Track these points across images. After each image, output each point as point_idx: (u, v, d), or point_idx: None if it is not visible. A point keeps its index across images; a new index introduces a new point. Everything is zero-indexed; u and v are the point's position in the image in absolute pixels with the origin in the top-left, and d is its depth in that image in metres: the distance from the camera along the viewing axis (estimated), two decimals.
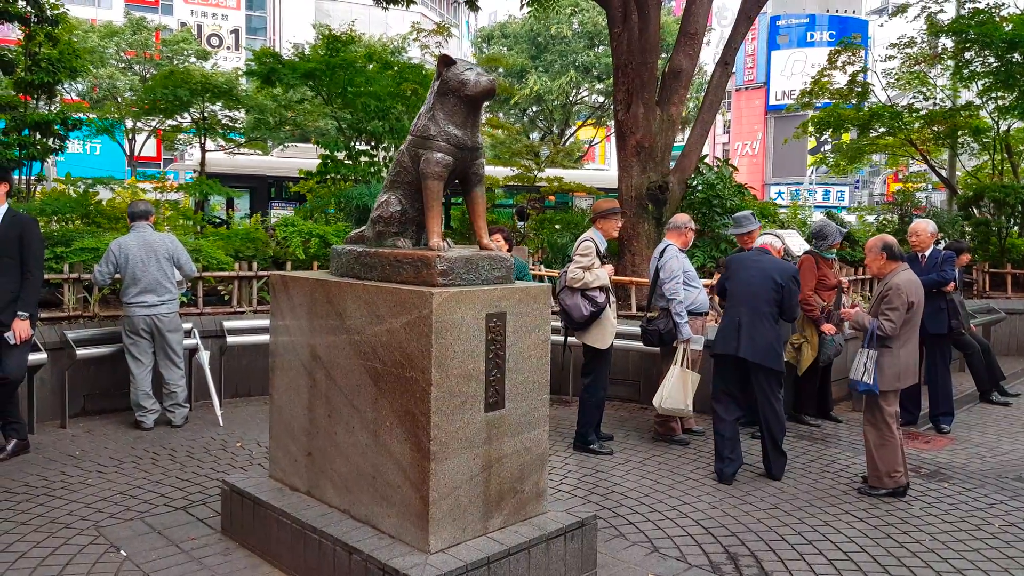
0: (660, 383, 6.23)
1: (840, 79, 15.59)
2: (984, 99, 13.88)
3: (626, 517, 4.57)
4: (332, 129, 16.31)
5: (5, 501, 4.53)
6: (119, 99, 25.81)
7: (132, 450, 5.59)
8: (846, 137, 17.08)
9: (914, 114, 14.40)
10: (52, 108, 10.32)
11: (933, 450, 6.13)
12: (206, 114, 13.74)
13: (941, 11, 14.77)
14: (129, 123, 23.30)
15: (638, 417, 6.93)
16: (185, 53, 30.02)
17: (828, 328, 6.39)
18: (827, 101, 16.23)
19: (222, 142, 16.92)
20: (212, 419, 6.37)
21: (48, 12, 9.62)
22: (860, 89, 15.06)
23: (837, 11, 44.20)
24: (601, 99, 32.40)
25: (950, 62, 14.40)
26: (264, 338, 6.09)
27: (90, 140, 22.68)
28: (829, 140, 18.45)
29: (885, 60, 16.38)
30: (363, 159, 11.52)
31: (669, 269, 5.94)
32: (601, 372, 5.81)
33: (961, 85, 14.44)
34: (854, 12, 44.70)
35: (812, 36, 43.20)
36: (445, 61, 3.58)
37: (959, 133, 14.47)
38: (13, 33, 10.86)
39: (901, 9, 15.82)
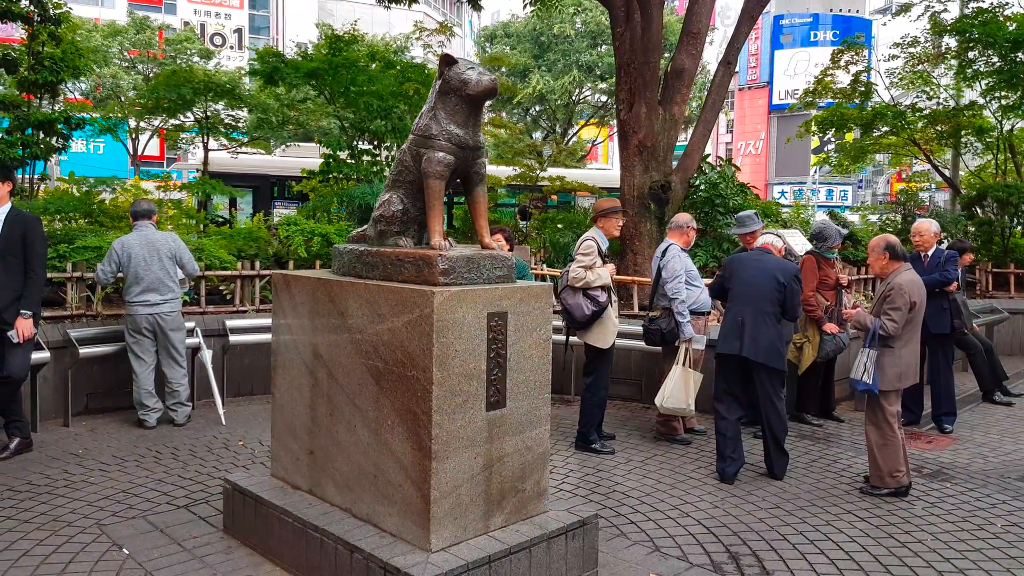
0: (662, 383, 6.24)
1: (843, 78, 15.56)
2: (988, 98, 13.85)
3: (628, 516, 4.57)
4: (335, 128, 16.34)
5: (8, 499, 4.55)
6: (122, 98, 25.87)
7: (135, 448, 5.60)
8: (849, 137, 17.06)
9: (917, 114, 14.38)
10: (55, 107, 10.34)
11: (935, 450, 6.12)
12: (209, 113, 13.76)
13: (945, 10, 14.74)
14: (132, 122, 23.36)
15: (640, 416, 6.93)
16: (188, 52, 30.08)
17: (831, 328, 6.39)
18: (830, 100, 16.20)
19: (225, 141, 16.95)
20: (214, 418, 6.38)
21: (51, 11, 9.62)
22: (863, 88, 15.03)
23: (841, 10, 44.11)
24: (604, 98, 32.37)
25: (953, 61, 14.37)
26: (266, 337, 6.10)
27: (93, 139, 22.73)
28: (832, 140, 18.43)
29: (888, 59, 16.35)
30: (365, 158, 11.54)
31: (671, 268, 5.93)
32: (603, 371, 5.81)
33: (965, 84, 14.42)
34: (858, 11, 44.61)
35: (816, 35, 43.14)
36: (447, 60, 3.58)
37: (962, 133, 14.45)
38: (17, 32, 10.86)
39: (905, 8, 15.79)
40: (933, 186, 23.09)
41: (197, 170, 16.24)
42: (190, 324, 6.53)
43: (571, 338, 6.03)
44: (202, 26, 42.34)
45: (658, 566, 3.92)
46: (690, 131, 11.20)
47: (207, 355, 6.49)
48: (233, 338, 6.81)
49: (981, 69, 13.40)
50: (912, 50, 15.59)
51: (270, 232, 9.19)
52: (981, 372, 7.80)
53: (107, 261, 6.12)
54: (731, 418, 5.27)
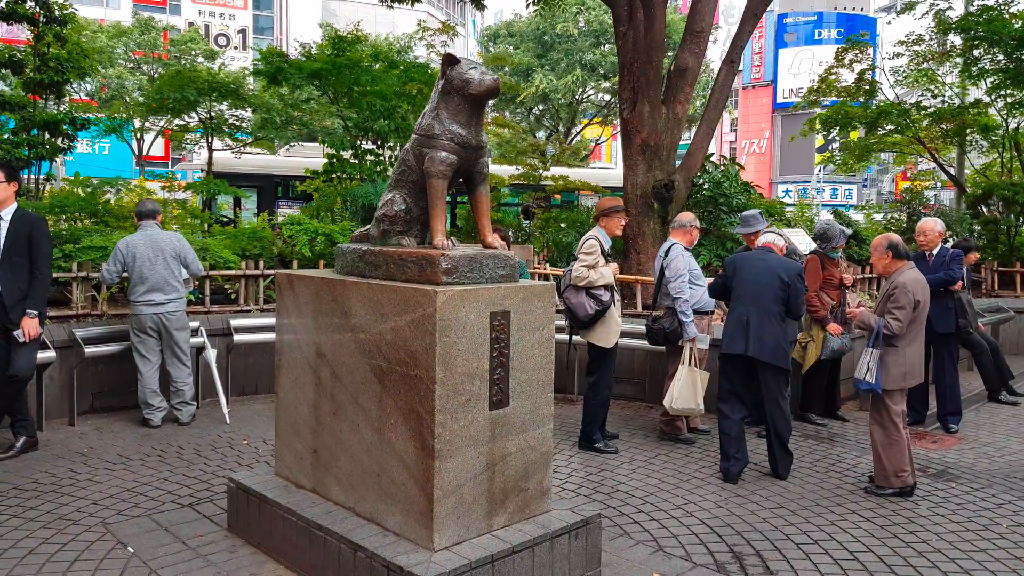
0: (665, 382, 6.23)
1: (848, 77, 15.52)
2: (993, 96, 13.81)
3: (631, 516, 4.57)
4: (338, 128, 16.36)
5: (14, 498, 4.57)
6: (127, 99, 25.92)
7: (139, 447, 5.62)
8: (854, 135, 17.01)
9: (922, 112, 14.34)
10: (61, 108, 10.38)
11: (940, 450, 6.11)
12: (213, 114, 13.79)
13: (949, 8, 14.68)
14: (137, 123, 23.39)
15: (643, 416, 6.92)
16: (193, 53, 30.13)
17: (834, 329, 6.38)
18: (835, 99, 16.16)
19: (229, 141, 16.97)
20: (219, 417, 6.40)
21: (57, 12, 9.66)
22: (868, 87, 14.99)
23: (845, 8, 44.01)
24: (607, 97, 32.36)
25: (958, 59, 14.32)
26: (270, 336, 6.13)
27: (99, 140, 22.78)
28: (837, 138, 18.38)
29: (893, 58, 16.29)
30: (369, 158, 11.56)
31: (674, 268, 5.93)
32: (606, 371, 5.81)
33: (970, 82, 14.36)
34: (862, 9, 44.51)
35: (820, 34, 43.05)
36: (449, 60, 3.59)
37: (968, 131, 14.39)
38: (22, 33, 10.90)
39: (909, 6, 15.72)
40: (938, 184, 23.01)
41: (201, 170, 16.27)
42: (195, 323, 6.55)
43: (574, 337, 6.03)
44: (206, 27, 42.42)
45: (661, 566, 3.92)
46: (693, 130, 11.19)
47: (211, 354, 6.51)
48: (237, 337, 6.83)
49: (986, 67, 13.36)
50: (917, 48, 15.54)
51: (274, 232, 9.20)
52: (987, 371, 7.78)
53: (112, 261, 6.14)
54: (735, 417, 5.26)
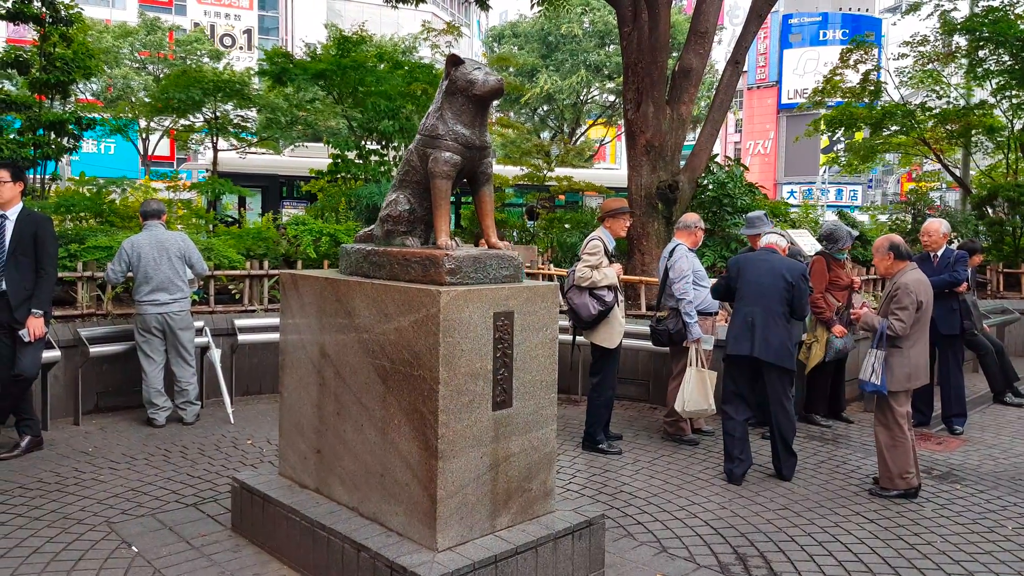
0: (669, 383, 6.23)
1: (853, 77, 15.49)
2: (998, 97, 13.77)
3: (635, 517, 4.56)
4: (343, 129, 16.38)
5: (19, 497, 4.58)
6: (133, 99, 25.99)
7: (144, 447, 5.63)
8: (859, 136, 16.98)
9: (927, 113, 14.30)
10: (66, 108, 10.40)
11: (945, 451, 6.09)
12: (218, 114, 13.81)
13: (955, 9, 14.66)
14: (143, 123, 23.48)
15: (647, 417, 6.91)
16: (198, 53, 30.20)
17: (839, 330, 6.36)
18: (840, 100, 16.14)
19: (234, 141, 17.00)
20: (223, 416, 6.41)
21: (63, 12, 9.69)
22: (873, 87, 14.97)
23: (850, 9, 43.92)
24: (612, 98, 32.35)
25: (964, 60, 14.29)
26: (275, 336, 6.14)
27: (104, 139, 22.85)
28: (842, 139, 18.35)
29: (898, 58, 16.27)
30: (373, 158, 11.57)
31: (678, 269, 5.92)
32: (609, 371, 5.81)
33: (975, 83, 14.34)
34: (867, 10, 44.40)
35: (825, 34, 42.96)
36: (453, 61, 3.59)
37: (973, 132, 14.36)
38: (29, 33, 10.94)
39: (914, 7, 15.71)
40: (944, 186, 22.97)
41: (207, 170, 16.31)
42: (199, 323, 6.56)
43: (578, 338, 6.03)
44: (212, 27, 42.51)
45: (665, 567, 3.91)
46: (698, 131, 11.19)
47: (216, 354, 6.52)
48: (242, 337, 6.84)
49: (991, 68, 13.33)
50: (922, 49, 15.51)
51: (279, 232, 9.22)
52: (992, 373, 7.76)
53: (117, 261, 6.16)
54: (739, 419, 5.25)
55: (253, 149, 18.12)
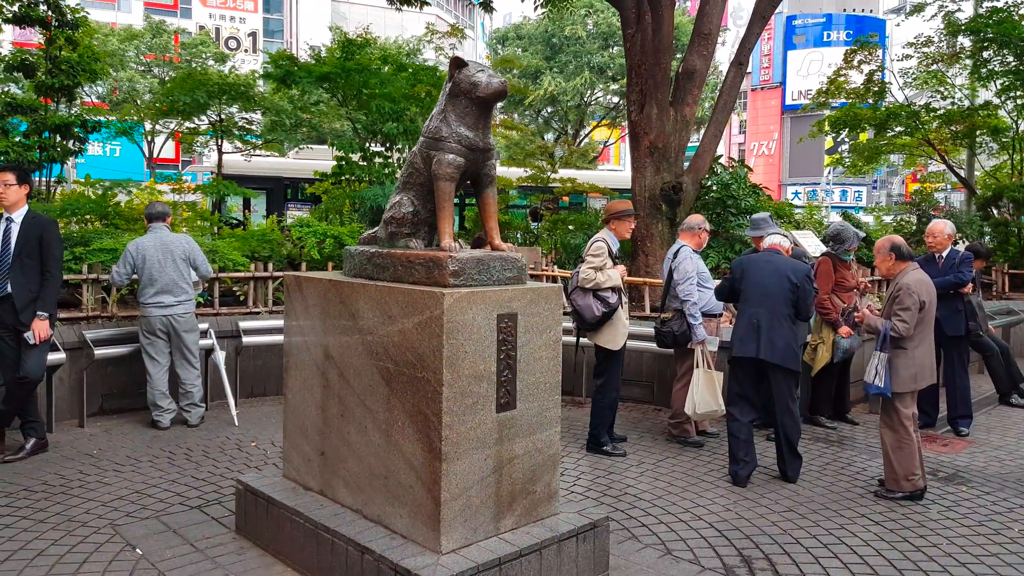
0: (674, 384, 6.22)
1: (857, 78, 15.48)
2: (1003, 98, 13.74)
3: (639, 519, 4.55)
4: (347, 131, 16.40)
5: (24, 499, 4.59)
6: (138, 102, 26.07)
7: (148, 449, 5.64)
8: (863, 137, 16.96)
9: (932, 114, 14.28)
10: (72, 111, 10.44)
11: (951, 453, 6.06)
12: (223, 116, 13.85)
13: (959, 10, 14.64)
14: (148, 125, 23.53)
15: (651, 418, 6.90)
16: (203, 56, 30.29)
17: (845, 331, 6.35)
18: (844, 101, 16.12)
19: (239, 144, 17.05)
20: (227, 419, 6.42)
21: (68, 16, 9.73)
22: (877, 88, 14.95)
23: (854, 10, 43.85)
24: (616, 100, 32.35)
25: (968, 61, 14.26)
26: (279, 338, 6.13)
27: (110, 142, 22.90)
28: (846, 140, 18.32)
29: (902, 59, 16.25)
30: (377, 160, 11.59)
31: (683, 270, 5.92)
32: (613, 373, 5.80)
33: (979, 84, 14.31)
34: (871, 11, 44.33)
35: (829, 35, 42.90)
36: (457, 63, 3.59)
37: (977, 133, 14.34)
38: (35, 37, 10.97)
39: (918, 8, 15.68)
40: (948, 187, 22.91)
41: (212, 172, 16.34)
42: (204, 325, 6.57)
43: (582, 340, 6.02)
44: (217, 30, 42.65)
45: (670, 569, 3.90)
46: (702, 132, 11.18)
47: (220, 356, 6.53)
48: (246, 339, 6.85)
49: (996, 68, 13.30)
50: (926, 50, 15.49)
51: (283, 234, 9.23)
52: (997, 374, 7.73)
53: (122, 263, 6.17)
54: (744, 420, 5.24)
55: (258, 151, 18.17)
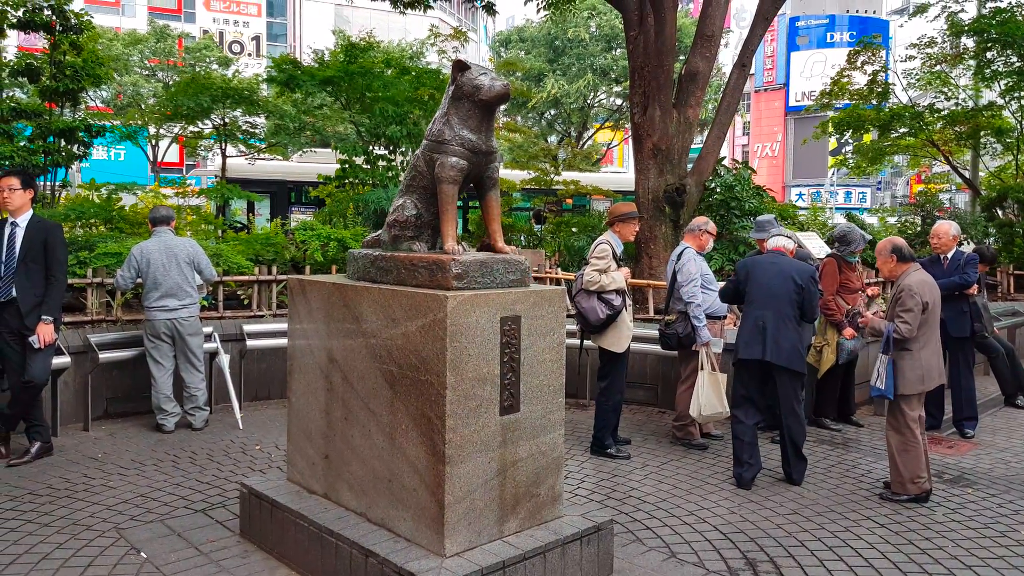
0: (678, 387, 6.21)
1: (860, 80, 15.46)
2: (1007, 99, 13.72)
3: (643, 522, 4.55)
4: (351, 134, 16.44)
5: (28, 503, 4.60)
6: (142, 106, 26.16)
7: (153, 453, 5.65)
8: (867, 138, 16.93)
9: (935, 114, 14.26)
10: (77, 115, 10.47)
11: (957, 455, 6.04)
12: (227, 120, 13.90)
13: (962, 11, 14.62)
14: (152, 129, 23.61)
15: (656, 421, 6.89)
16: (207, 60, 30.39)
17: (849, 332, 6.34)
18: (847, 102, 16.10)
19: (243, 147, 17.10)
20: (232, 422, 6.43)
21: (73, 21, 9.77)
22: (880, 89, 14.93)
23: (857, 11, 43.81)
24: (619, 102, 32.35)
25: (971, 62, 14.25)
26: (283, 342, 6.14)
27: (114, 146, 22.98)
28: (850, 141, 18.30)
29: (905, 60, 16.24)
30: (381, 163, 11.61)
31: (686, 272, 5.91)
32: (617, 375, 5.79)
33: (983, 85, 14.29)
34: (874, 12, 44.29)
35: (832, 37, 42.86)
36: (459, 66, 3.60)
37: (981, 133, 14.31)
38: (39, 42, 11.01)
39: (921, 9, 15.66)
40: (953, 187, 22.86)
41: (215, 176, 16.39)
42: (208, 329, 6.58)
43: (586, 342, 6.02)
44: (221, 34, 42.79)
45: (674, 573, 3.90)
46: (705, 134, 11.19)
47: (225, 360, 6.54)
48: (250, 343, 6.86)
49: (1000, 69, 13.28)
50: (929, 51, 15.47)
51: (287, 237, 9.26)
52: (1003, 376, 7.70)
53: (126, 267, 6.19)
54: (749, 423, 5.22)
55: (262, 155, 18.22)
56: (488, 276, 3.46)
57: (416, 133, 11.04)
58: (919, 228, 13.32)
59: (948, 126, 14.32)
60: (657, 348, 6.44)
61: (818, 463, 5.71)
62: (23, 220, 5.24)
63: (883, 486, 5.15)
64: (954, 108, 14.51)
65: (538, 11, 12.88)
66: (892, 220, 15.97)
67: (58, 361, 5.69)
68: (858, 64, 15.39)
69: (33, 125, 9.45)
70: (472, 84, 3.51)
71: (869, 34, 17.78)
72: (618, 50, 31.11)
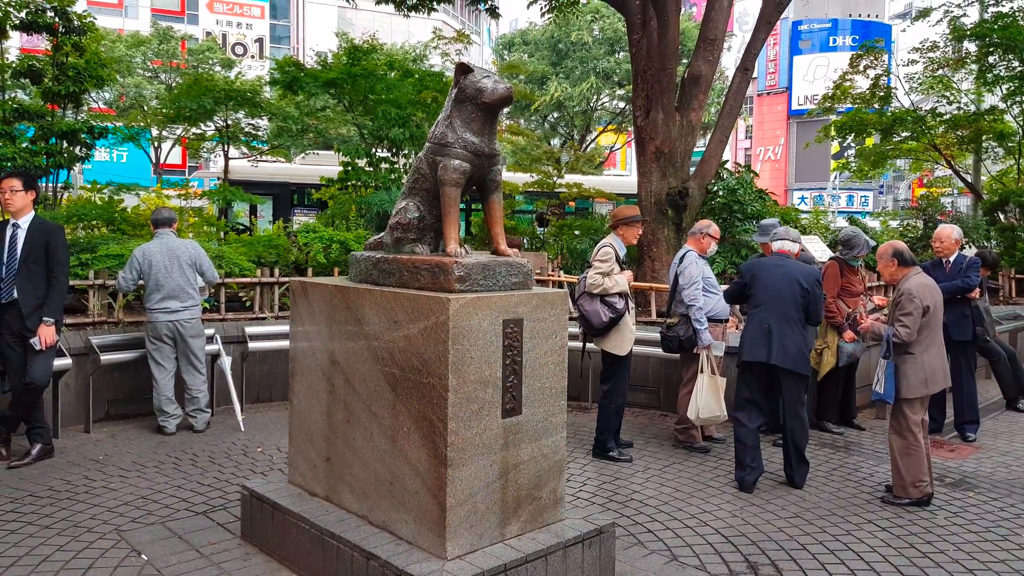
0: (680, 389, 6.21)
1: (862, 83, 15.48)
2: (1008, 103, 13.73)
3: (645, 525, 4.54)
4: (353, 136, 16.47)
5: (29, 505, 4.60)
6: (145, 107, 26.21)
7: (154, 455, 5.65)
8: (869, 142, 16.93)
9: (937, 118, 14.26)
10: (79, 117, 10.50)
11: (958, 459, 6.03)
12: (230, 122, 13.92)
13: (964, 15, 14.63)
14: (155, 131, 23.66)
15: (658, 424, 6.89)
16: (210, 62, 30.45)
17: (849, 335, 6.33)
18: (850, 106, 16.11)
19: (245, 149, 17.13)
20: (233, 424, 6.43)
21: (76, 22, 9.79)
22: (883, 93, 14.94)
23: (860, 16, 43.84)
24: (622, 105, 32.38)
25: (973, 66, 14.25)
26: (285, 344, 6.15)
27: (117, 148, 23.04)
28: (852, 145, 18.30)
29: (908, 64, 16.25)
30: (383, 166, 11.63)
31: (688, 275, 5.91)
32: (620, 378, 5.79)
33: (985, 89, 14.29)
34: (877, 16, 44.34)
35: (834, 41, 42.89)
36: (462, 69, 3.60)
37: (983, 137, 14.31)
38: (42, 43, 11.04)
39: (924, 13, 15.67)
40: (955, 191, 22.85)
41: (218, 178, 16.41)
42: (210, 331, 6.58)
43: (588, 345, 6.02)
44: (224, 36, 42.86)
45: (676, 575, 3.89)
46: (708, 137, 11.20)
47: (226, 362, 6.54)
48: (252, 345, 6.86)
49: (1001, 73, 13.29)
50: (931, 55, 15.47)
51: (289, 239, 9.27)
52: (1004, 379, 7.69)
53: (128, 269, 6.19)
54: (751, 426, 5.22)
55: (264, 157, 18.25)
56: (490, 279, 3.46)
57: (419, 135, 11.06)
58: (921, 232, 13.31)
59: (950, 130, 14.33)
60: (659, 351, 6.44)
61: (820, 466, 5.70)
62: (25, 222, 5.24)
63: (885, 489, 5.14)
64: (956, 112, 14.52)
65: (542, 14, 12.91)
66: (894, 224, 15.96)
67: (59, 363, 5.69)
68: (860, 68, 15.41)
69: (35, 126, 9.47)
70: (475, 87, 3.51)
71: (871, 38, 17.79)
72: (621, 53, 31.15)
